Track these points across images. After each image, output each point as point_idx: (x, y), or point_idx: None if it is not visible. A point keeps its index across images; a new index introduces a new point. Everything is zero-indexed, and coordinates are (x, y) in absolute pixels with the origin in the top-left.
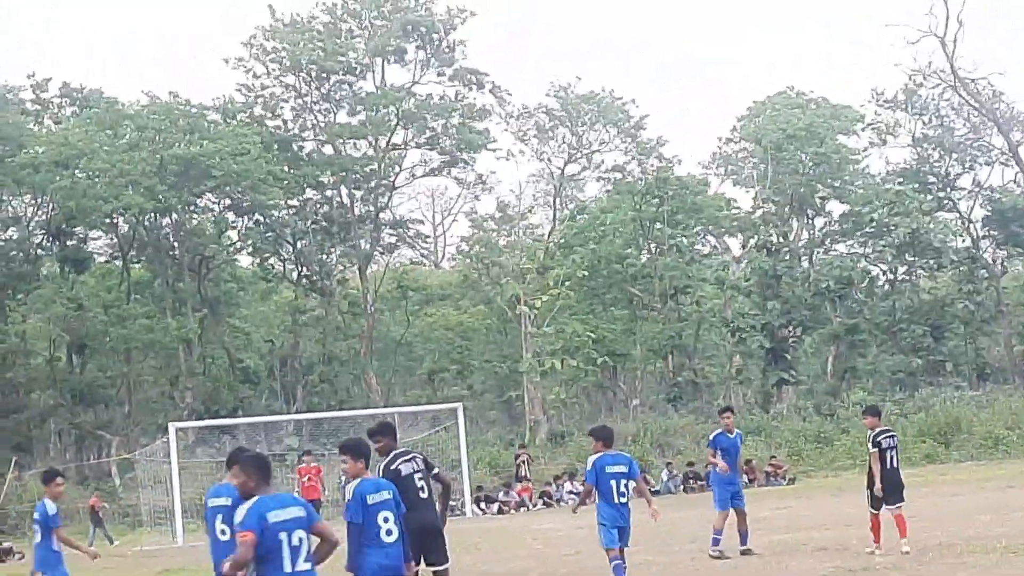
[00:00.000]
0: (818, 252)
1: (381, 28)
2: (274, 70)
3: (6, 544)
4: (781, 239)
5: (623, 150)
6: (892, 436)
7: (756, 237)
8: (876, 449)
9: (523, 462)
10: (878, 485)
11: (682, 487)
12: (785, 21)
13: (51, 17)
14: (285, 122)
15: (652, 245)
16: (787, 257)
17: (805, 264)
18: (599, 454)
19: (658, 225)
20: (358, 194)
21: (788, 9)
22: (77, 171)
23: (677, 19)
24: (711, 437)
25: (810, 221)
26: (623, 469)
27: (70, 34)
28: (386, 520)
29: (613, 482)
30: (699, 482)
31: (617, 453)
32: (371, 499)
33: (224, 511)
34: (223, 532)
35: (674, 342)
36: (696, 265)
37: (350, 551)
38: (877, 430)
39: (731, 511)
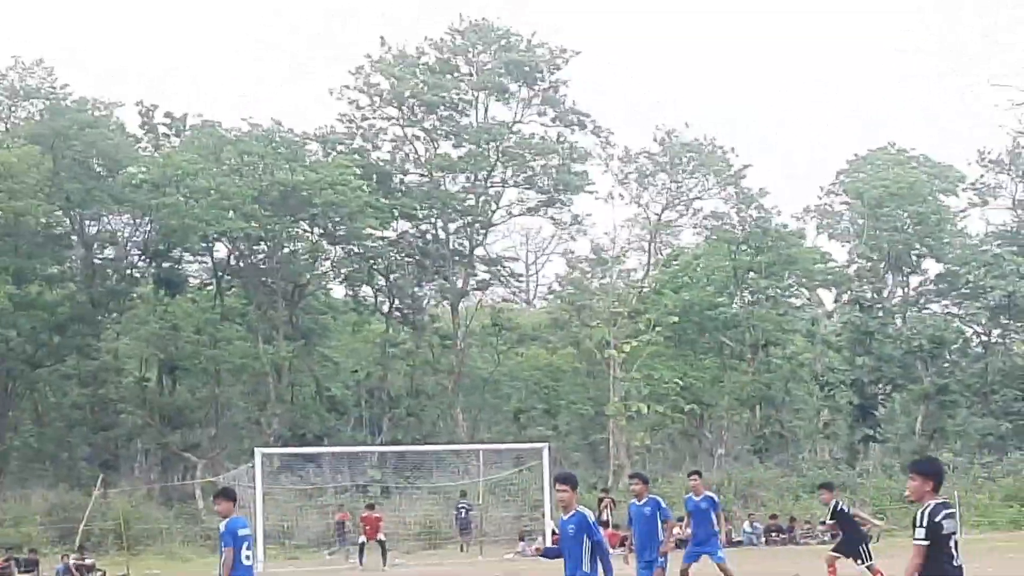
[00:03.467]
0: (912, 310)
1: (486, 65)
2: (377, 102)
3: (88, 561)
4: (875, 295)
5: (722, 198)
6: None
7: (850, 292)
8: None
9: (606, 507)
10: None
11: (764, 539)
12: (888, 76)
13: (148, 40)
14: (382, 153)
15: (745, 294)
16: (880, 314)
17: (898, 322)
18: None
19: (752, 274)
20: (454, 228)
21: (892, 64)
22: (178, 193)
23: (781, 70)
24: None
25: (905, 279)
26: None
27: (170, 58)
28: None
29: None
30: (782, 534)
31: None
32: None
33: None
34: (248, 558)
35: (762, 393)
36: (788, 317)
37: None
38: (833, 502)
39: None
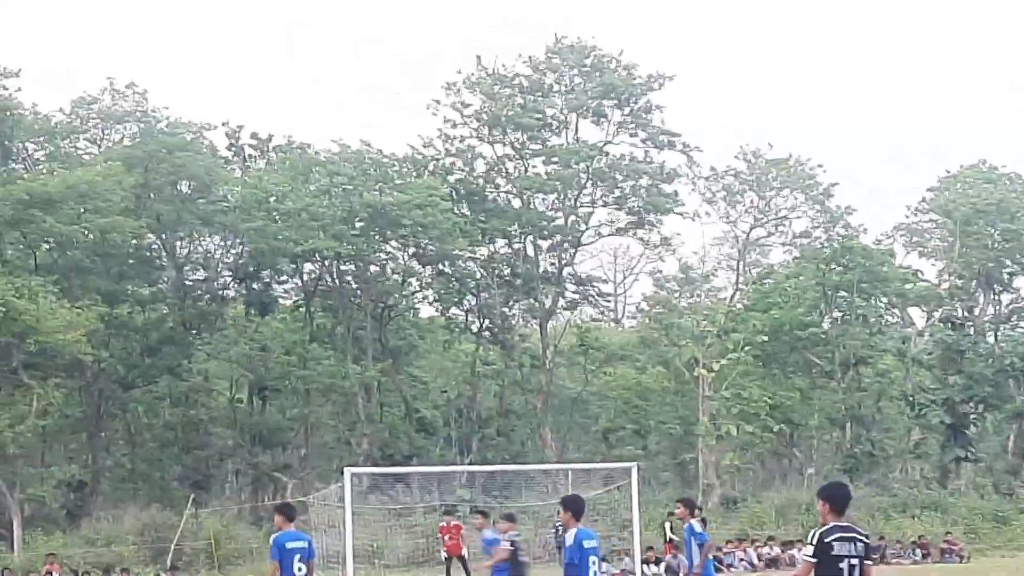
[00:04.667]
0: (1003, 328)
1: (579, 85)
2: (470, 120)
3: None
4: (966, 313)
5: (810, 216)
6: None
7: (940, 310)
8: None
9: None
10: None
11: None
12: (978, 93)
13: (239, 65)
14: (473, 172)
15: (835, 313)
16: (971, 332)
17: (990, 340)
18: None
19: (842, 293)
20: (544, 247)
21: (983, 81)
22: (268, 215)
23: (870, 88)
24: None
25: (996, 297)
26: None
27: (259, 82)
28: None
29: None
30: (872, 554)
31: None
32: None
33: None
34: (300, 569)
35: (852, 412)
36: (878, 336)
37: None
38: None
39: None
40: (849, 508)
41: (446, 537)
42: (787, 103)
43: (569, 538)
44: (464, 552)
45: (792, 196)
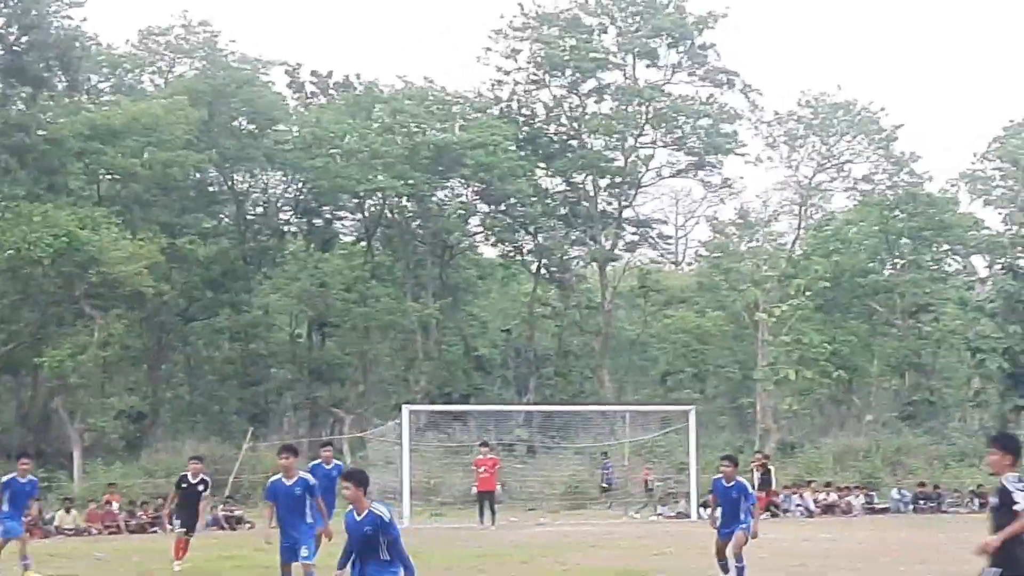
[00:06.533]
0: None
1: (633, 25)
2: (525, 63)
3: (237, 512)
4: None
5: (872, 162)
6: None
7: (1004, 259)
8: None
9: (757, 469)
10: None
11: (912, 507)
12: None
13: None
14: (532, 112)
15: (897, 260)
16: None
17: None
18: None
19: (904, 240)
20: (603, 188)
21: None
22: (328, 153)
23: (937, 33)
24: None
25: None
26: None
27: (325, 18)
28: None
29: None
30: (930, 503)
31: None
32: None
33: None
34: None
35: (912, 360)
36: (940, 283)
37: None
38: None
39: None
40: (907, 455)
41: (481, 469)
42: (848, 46)
43: (386, 513)
44: (497, 488)
45: (855, 141)
